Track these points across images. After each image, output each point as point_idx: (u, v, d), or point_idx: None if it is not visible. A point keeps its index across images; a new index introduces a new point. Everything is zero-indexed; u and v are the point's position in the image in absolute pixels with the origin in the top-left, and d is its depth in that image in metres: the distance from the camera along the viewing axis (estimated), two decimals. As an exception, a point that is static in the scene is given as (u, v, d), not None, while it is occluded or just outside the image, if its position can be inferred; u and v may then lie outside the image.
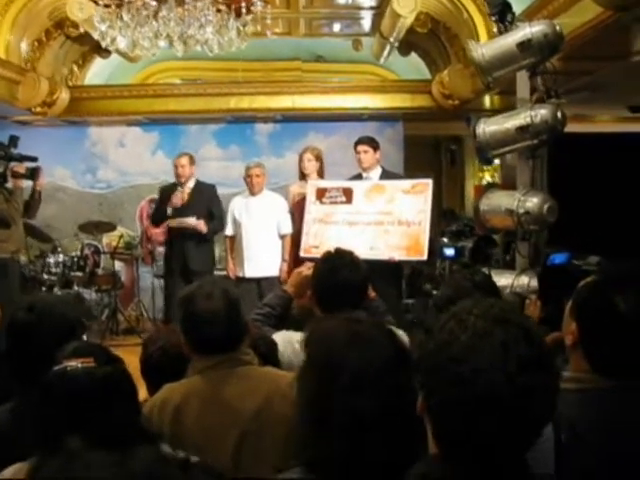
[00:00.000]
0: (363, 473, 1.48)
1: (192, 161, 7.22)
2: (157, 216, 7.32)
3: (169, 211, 7.00)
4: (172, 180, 7.34)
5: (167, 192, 7.17)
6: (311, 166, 6.62)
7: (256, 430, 2.18)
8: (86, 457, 1.14)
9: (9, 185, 6.52)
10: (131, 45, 5.62)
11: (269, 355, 2.73)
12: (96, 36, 5.79)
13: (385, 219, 5.87)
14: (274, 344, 2.85)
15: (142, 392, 3.02)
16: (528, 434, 1.30)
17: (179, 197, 7.00)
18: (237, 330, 2.33)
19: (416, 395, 1.42)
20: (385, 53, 9.65)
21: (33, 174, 6.61)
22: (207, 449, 2.13)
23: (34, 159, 6.58)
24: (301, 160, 6.69)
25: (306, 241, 6.04)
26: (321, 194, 6.09)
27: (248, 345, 2.45)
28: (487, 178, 11.21)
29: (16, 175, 6.42)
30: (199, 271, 6.98)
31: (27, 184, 6.73)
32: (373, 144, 6.36)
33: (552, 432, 1.71)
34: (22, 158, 6.49)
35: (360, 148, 6.30)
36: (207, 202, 7.13)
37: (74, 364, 1.79)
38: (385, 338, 1.62)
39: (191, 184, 7.15)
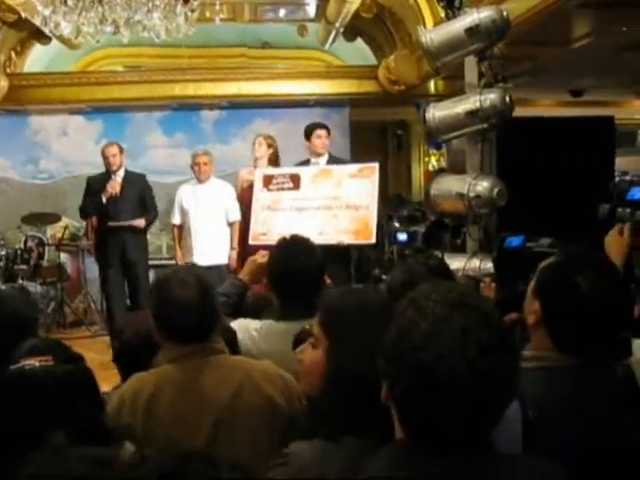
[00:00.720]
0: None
1: (121, 150, 7.15)
2: (90, 207, 7.16)
3: (104, 200, 6.91)
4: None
5: (97, 182, 7.09)
6: (261, 150, 6.60)
7: (229, 419, 2.17)
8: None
9: None
10: (75, 31, 5.48)
11: (230, 344, 2.71)
12: (38, 22, 5.65)
13: (333, 204, 5.90)
14: (233, 332, 2.83)
15: (103, 386, 2.99)
16: (491, 416, 1.33)
17: (114, 186, 6.92)
18: (210, 319, 2.30)
19: None
20: (330, 39, 9.65)
21: None
22: (181, 438, 2.11)
23: None
24: (253, 144, 6.68)
25: (255, 228, 6.02)
26: (268, 181, 6.07)
27: (219, 332, 2.43)
28: (433, 163, 11.31)
29: None
30: (137, 260, 6.96)
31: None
32: (328, 129, 6.40)
33: (519, 410, 1.74)
34: None
35: (320, 132, 6.32)
36: (139, 191, 7.10)
37: (32, 363, 1.74)
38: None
39: (121, 173, 7.08)
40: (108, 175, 7.05)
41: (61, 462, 1.20)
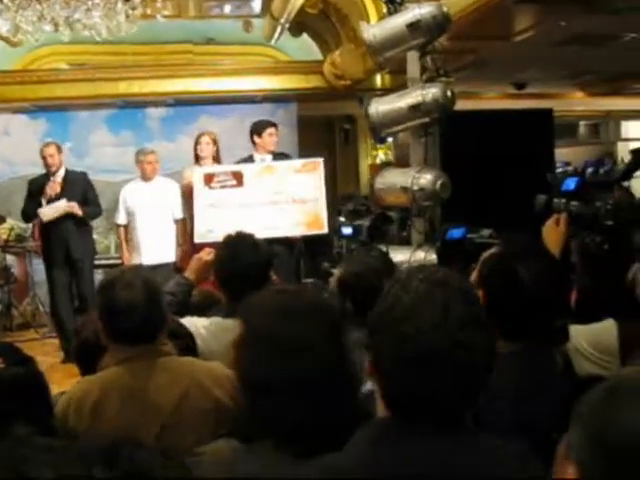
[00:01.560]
0: (300, 438, 1.51)
1: (60, 150, 7.07)
2: (30, 210, 7.05)
3: (43, 203, 6.82)
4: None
5: (37, 185, 7.00)
6: (208, 149, 6.60)
7: (175, 424, 2.18)
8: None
9: None
10: (13, 29, 5.39)
11: (185, 336, 2.72)
12: (-27, 20, 5.54)
13: (279, 199, 5.97)
14: (186, 327, 2.84)
15: (54, 388, 2.98)
16: (469, 390, 1.38)
17: (52, 187, 6.82)
18: (156, 321, 2.30)
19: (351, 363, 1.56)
20: (276, 34, 9.61)
21: None
22: None
23: None
24: (198, 143, 6.66)
25: (199, 227, 6.01)
26: (209, 179, 6.08)
27: (167, 334, 2.43)
28: (381, 156, 11.39)
29: None
30: (81, 259, 6.89)
31: None
32: (277, 127, 6.45)
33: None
34: None
35: (272, 130, 6.37)
36: (81, 190, 7.00)
37: None
38: (321, 309, 1.67)
39: (61, 173, 6.99)
40: (47, 176, 6.94)
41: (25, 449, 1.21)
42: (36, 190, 6.95)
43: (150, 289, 2.30)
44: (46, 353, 7.21)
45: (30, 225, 9.27)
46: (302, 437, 1.49)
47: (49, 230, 6.95)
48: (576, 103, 12.24)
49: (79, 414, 2.17)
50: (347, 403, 1.58)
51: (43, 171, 7.43)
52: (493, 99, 11.48)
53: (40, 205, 6.84)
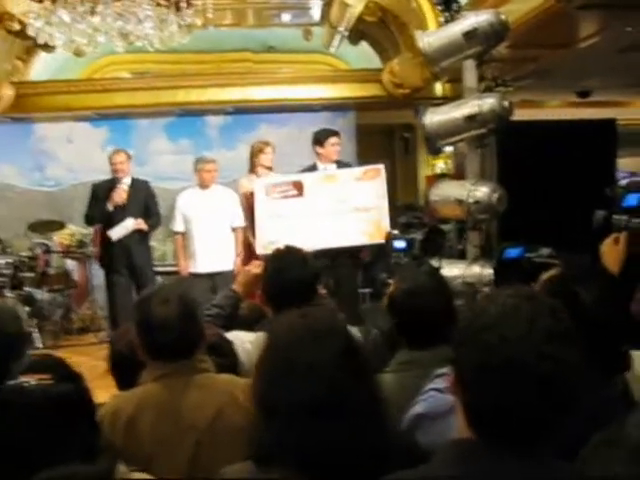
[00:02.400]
0: (306, 463, 1.50)
1: (129, 157, 7.16)
2: (97, 214, 7.15)
3: (110, 208, 6.91)
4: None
5: (103, 189, 7.09)
6: (272, 159, 6.64)
7: (210, 441, 2.15)
8: None
9: None
10: (68, 42, 5.48)
11: (228, 354, 2.70)
12: (31, 33, 5.64)
13: (341, 208, 5.92)
14: (230, 342, 2.82)
15: (101, 394, 2.99)
16: (556, 405, 1.31)
17: (119, 194, 6.91)
18: (192, 337, 2.28)
19: (369, 389, 1.56)
20: (335, 42, 9.61)
21: None
22: (161, 461, 2.11)
23: None
24: (264, 152, 6.65)
25: (261, 237, 6.00)
26: (270, 190, 6.06)
27: (205, 351, 2.40)
28: (441, 165, 11.26)
29: None
30: (143, 265, 6.96)
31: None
32: (340, 136, 6.45)
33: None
34: None
35: (335, 140, 6.32)
36: (144, 199, 7.11)
37: (29, 380, 1.73)
38: (336, 332, 1.67)
39: (128, 181, 7.07)
40: (114, 182, 7.04)
41: None
42: (102, 195, 7.06)
43: (186, 305, 2.28)
44: (103, 357, 7.26)
45: (91, 231, 9.47)
46: (319, 463, 1.47)
47: (110, 238, 7.04)
48: (642, 111, 11.92)
49: (113, 429, 2.15)
50: (368, 429, 1.55)
51: (104, 177, 7.56)
52: (555, 108, 11.24)
53: (106, 210, 6.92)
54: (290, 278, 2.94)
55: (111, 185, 7.06)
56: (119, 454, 1.99)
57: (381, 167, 6.01)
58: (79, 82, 9.68)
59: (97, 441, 1.82)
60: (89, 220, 7.45)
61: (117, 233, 6.97)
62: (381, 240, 5.64)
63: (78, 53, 7.85)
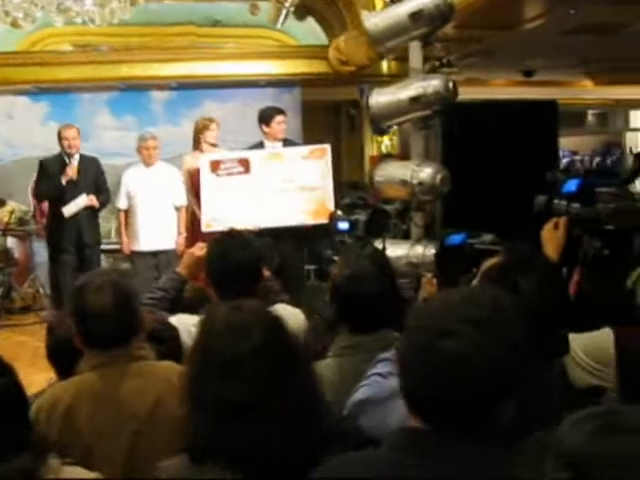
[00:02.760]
0: (238, 458, 1.51)
1: (79, 133, 7.01)
2: (48, 190, 7.01)
3: (63, 183, 6.78)
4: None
5: (52, 164, 6.96)
6: (216, 136, 6.57)
7: (149, 430, 2.13)
8: None
9: None
10: (3, 15, 5.31)
11: (173, 340, 2.67)
12: (-35, 5, 5.48)
13: (287, 186, 5.92)
14: (175, 330, 2.79)
15: (44, 376, 2.93)
16: (478, 392, 1.34)
17: (73, 169, 6.80)
18: (128, 325, 2.25)
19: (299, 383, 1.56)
20: (281, 18, 9.49)
21: None
22: (99, 451, 2.08)
23: None
24: (208, 129, 6.57)
25: (206, 215, 5.96)
26: (216, 166, 6.02)
27: (145, 337, 2.38)
28: (386, 142, 11.28)
29: None
30: (91, 245, 6.87)
31: None
32: (285, 114, 6.37)
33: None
34: None
35: (280, 118, 6.30)
36: (94, 175, 7.00)
37: None
38: (262, 327, 1.64)
39: (77, 157, 6.94)
40: (62, 157, 6.91)
41: None
42: (52, 170, 6.92)
43: (121, 293, 2.24)
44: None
45: (31, 208, 9.28)
46: (249, 460, 1.48)
47: (60, 213, 6.91)
48: (585, 92, 12.11)
49: (50, 421, 2.12)
50: (296, 425, 1.55)
51: (44, 154, 7.39)
52: (501, 86, 11.36)
53: (60, 185, 6.81)
54: (233, 262, 2.90)
55: (60, 160, 6.92)
56: (55, 446, 1.97)
57: (327, 147, 6.04)
58: (17, 54, 9.39)
59: (28, 435, 1.79)
60: (43, 196, 7.31)
61: (69, 210, 6.85)
62: (325, 220, 5.66)
63: (15, 25, 7.62)
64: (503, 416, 1.38)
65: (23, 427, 1.77)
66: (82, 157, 7.03)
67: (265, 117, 6.30)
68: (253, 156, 6.08)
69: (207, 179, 6.02)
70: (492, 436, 1.37)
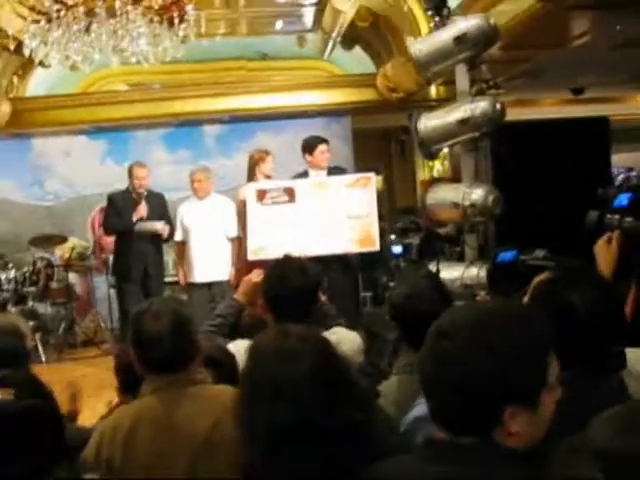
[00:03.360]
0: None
1: (149, 172, 7.18)
2: (119, 225, 7.16)
3: (134, 220, 6.94)
4: (122, 188, 7.30)
5: (121, 200, 7.12)
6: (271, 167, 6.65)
7: (207, 454, 2.16)
8: None
9: None
10: (64, 60, 5.53)
11: (230, 368, 2.72)
12: (27, 52, 5.70)
13: (333, 214, 5.94)
14: (233, 357, 2.84)
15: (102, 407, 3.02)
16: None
17: (144, 209, 6.95)
18: (185, 351, 2.31)
19: (347, 410, 1.53)
20: (329, 48, 9.65)
21: None
22: (159, 472, 2.13)
23: None
24: (264, 162, 6.65)
25: (252, 243, 6.02)
26: (262, 195, 6.07)
27: (201, 363, 2.43)
28: (437, 167, 11.27)
29: None
30: (156, 276, 7.01)
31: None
32: (328, 142, 6.45)
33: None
34: None
35: (323, 147, 6.34)
36: (160, 210, 7.13)
37: None
38: (310, 352, 1.64)
39: (145, 194, 7.09)
40: (131, 194, 7.08)
41: None
42: (123, 205, 7.09)
43: (178, 319, 2.31)
44: (108, 369, 7.27)
45: (91, 243, 9.53)
46: None
47: (127, 246, 7.08)
48: (637, 107, 11.93)
49: (112, 444, 2.19)
50: (344, 454, 1.53)
51: (103, 190, 7.58)
52: (550, 105, 11.27)
53: (131, 221, 6.97)
54: (290, 288, 2.95)
55: (129, 197, 7.09)
56: (118, 467, 2.04)
57: (372, 175, 6.06)
58: (75, 96, 9.73)
59: (61, 454, 1.82)
60: (109, 230, 7.48)
61: (144, 227, 7.00)
62: (371, 248, 5.68)
63: (74, 68, 7.89)
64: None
65: (57, 445, 1.80)
66: (149, 193, 7.19)
67: (308, 146, 6.37)
68: (298, 185, 6.13)
69: (253, 208, 6.08)
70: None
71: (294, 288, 2.94)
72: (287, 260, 3.13)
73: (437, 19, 4.80)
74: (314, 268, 3.17)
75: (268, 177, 6.66)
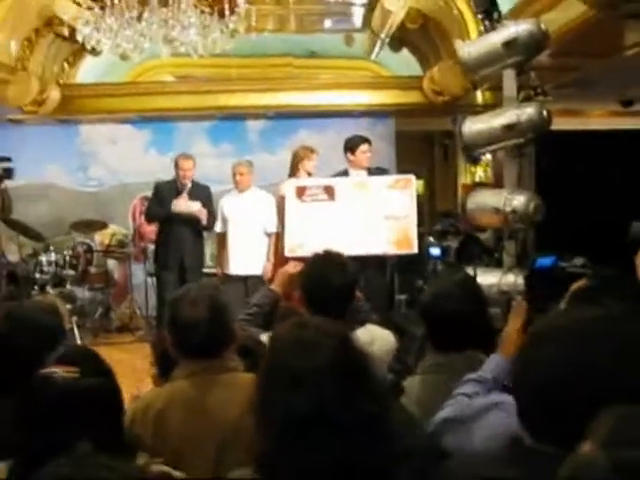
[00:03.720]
0: (304, 474, 1.50)
1: (195, 164, 7.22)
2: (160, 214, 7.21)
3: (174, 211, 6.99)
4: (164, 178, 7.37)
5: (166, 190, 7.17)
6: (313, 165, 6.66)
7: (234, 441, 2.17)
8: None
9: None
10: (115, 47, 5.61)
11: (259, 355, 2.74)
12: (80, 38, 5.79)
13: (371, 215, 5.93)
14: (263, 346, 2.86)
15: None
16: None
17: (183, 202, 6.98)
18: (220, 338, 2.34)
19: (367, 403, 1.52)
20: (376, 49, 9.63)
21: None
22: (187, 457, 2.15)
23: (7, 159, 6.57)
24: (309, 159, 6.66)
25: (290, 240, 6.03)
26: (301, 192, 6.08)
27: (235, 351, 2.45)
28: (480, 173, 11.20)
29: None
30: (194, 268, 7.05)
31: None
32: (370, 142, 6.46)
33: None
34: None
35: (365, 148, 6.36)
36: (205, 202, 7.14)
37: (59, 372, 1.77)
38: (329, 343, 1.62)
39: (189, 185, 7.13)
40: (177, 184, 7.14)
41: (84, 468, 1.24)
42: (167, 195, 7.14)
43: (215, 306, 2.33)
44: (141, 356, 7.34)
45: (131, 230, 9.64)
46: (316, 474, 1.47)
47: (167, 234, 7.14)
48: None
49: (144, 424, 2.22)
50: (363, 446, 1.51)
51: (146, 179, 7.64)
52: (597, 117, 11.11)
53: (170, 211, 7.01)
54: (330, 285, 2.95)
55: (174, 187, 7.14)
56: (148, 447, 2.06)
57: (412, 177, 6.03)
58: (123, 85, 9.86)
59: (121, 434, 1.85)
60: (150, 218, 7.56)
61: (179, 206, 7.01)
62: (409, 250, 5.65)
63: (124, 57, 8.00)
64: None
65: (117, 425, 1.84)
66: (194, 184, 7.21)
67: (350, 146, 6.38)
68: (338, 184, 6.13)
69: (292, 204, 6.09)
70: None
71: (334, 287, 2.95)
72: (327, 256, 3.12)
73: (487, 23, 4.78)
74: (353, 266, 3.16)
75: (310, 175, 6.67)
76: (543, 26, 4.45)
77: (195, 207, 6.98)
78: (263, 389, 1.62)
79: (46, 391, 1.76)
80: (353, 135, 6.67)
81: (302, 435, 1.50)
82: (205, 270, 7.93)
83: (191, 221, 7.03)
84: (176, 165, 7.16)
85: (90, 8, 5.33)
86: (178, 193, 7.05)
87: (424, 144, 11.60)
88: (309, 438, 1.50)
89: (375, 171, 6.46)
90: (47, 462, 1.55)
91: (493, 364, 2.34)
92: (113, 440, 1.78)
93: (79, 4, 5.55)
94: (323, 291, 2.95)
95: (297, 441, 1.50)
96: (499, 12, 4.76)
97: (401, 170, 8.41)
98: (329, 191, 6.01)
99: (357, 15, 9.43)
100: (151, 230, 8.50)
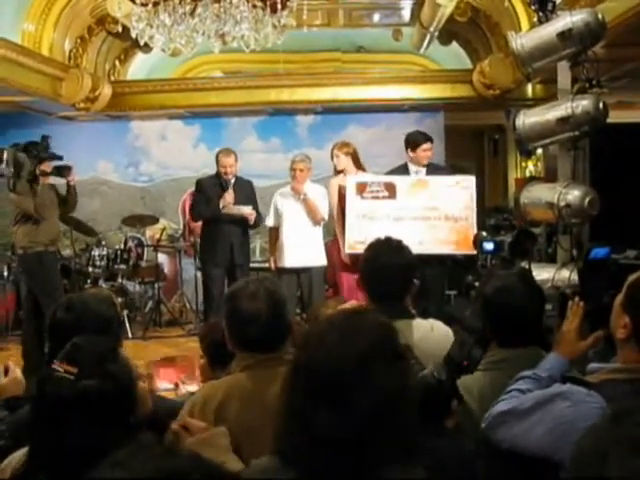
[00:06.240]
0: (322, 465, 1.45)
1: (237, 160, 7.22)
2: (206, 212, 7.16)
3: (220, 206, 7.01)
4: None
5: (209, 186, 7.17)
6: (341, 162, 6.59)
7: None
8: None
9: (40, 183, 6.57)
10: (168, 43, 5.66)
11: None
12: (134, 34, 5.85)
13: (432, 214, 5.93)
14: None
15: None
16: None
17: (231, 196, 6.99)
18: (279, 331, 2.36)
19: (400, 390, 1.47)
20: (425, 43, 9.56)
21: (61, 172, 6.70)
22: (246, 449, 2.15)
23: (60, 158, 6.68)
24: (336, 156, 6.66)
25: (350, 236, 6.04)
26: (362, 189, 6.09)
27: (291, 344, 2.47)
28: (530, 168, 11.07)
29: (42, 173, 6.50)
30: (242, 265, 7.07)
31: (62, 181, 6.82)
32: (432, 141, 6.44)
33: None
34: (50, 157, 6.58)
35: (428, 146, 6.33)
36: (248, 198, 7.15)
37: (60, 370, 1.74)
38: (363, 338, 1.54)
39: (232, 180, 7.14)
40: (220, 180, 7.14)
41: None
42: (211, 192, 7.10)
43: (274, 300, 2.35)
44: (191, 350, 7.41)
45: (181, 225, 9.74)
46: (329, 472, 1.43)
47: (214, 231, 7.14)
48: None
49: (203, 415, 2.24)
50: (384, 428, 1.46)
51: (195, 174, 7.66)
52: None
53: (218, 208, 6.97)
54: (386, 263, 2.91)
55: (217, 182, 7.14)
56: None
57: (472, 178, 6.02)
58: (173, 81, 9.96)
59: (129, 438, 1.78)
60: (196, 216, 7.56)
61: (230, 210, 6.97)
62: (468, 251, 5.60)
63: (175, 53, 8.08)
64: None
65: (124, 428, 1.74)
66: (237, 180, 7.18)
67: (412, 142, 6.32)
68: (400, 182, 6.11)
69: (352, 201, 6.09)
70: None
71: (387, 265, 2.91)
72: (385, 239, 3.09)
73: (541, 14, 4.69)
74: (410, 251, 3.10)
75: (360, 169, 6.64)
76: (600, 16, 4.35)
77: (246, 211, 7.00)
78: (288, 386, 1.61)
79: (45, 388, 1.76)
80: (415, 131, 6.61)
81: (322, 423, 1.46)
82: (252, 265, 7.96)
83: (238, 218, 7.05)
84: (217, 161, 7.16)
85: (144, 5, 5.39)
86: (222, 189, 7.06)
87: (474, 138, 11.50)
88: (329, 423, 1.45)
89: (431, 167, 6.42)
90: (47, 458, 1.63)
91: (550, 363, 2.32)
92: (124, 440, 1.73)
93: (133, 1, 5.60)
94: (378, 271, 2.93)
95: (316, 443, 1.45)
96: (553, 2, 4.66)
97: (450, 165, 8.36)
98: (390, 189, 6.01)
99: (405, 9, 9.39)
100: (199, 225, 8.56)
